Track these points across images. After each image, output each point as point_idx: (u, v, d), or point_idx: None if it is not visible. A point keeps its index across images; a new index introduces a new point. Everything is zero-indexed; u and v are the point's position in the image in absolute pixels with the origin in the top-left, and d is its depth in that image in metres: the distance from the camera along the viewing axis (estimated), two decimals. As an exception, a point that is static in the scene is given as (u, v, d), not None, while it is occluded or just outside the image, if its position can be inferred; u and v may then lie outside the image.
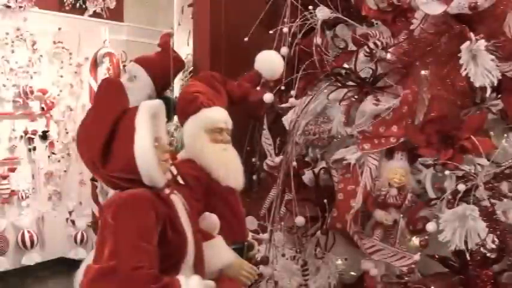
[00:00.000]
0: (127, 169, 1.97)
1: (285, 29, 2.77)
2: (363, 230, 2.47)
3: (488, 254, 2.22)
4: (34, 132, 5.85)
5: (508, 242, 2.27)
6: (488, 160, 2.26)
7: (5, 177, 5.62)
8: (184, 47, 4.53)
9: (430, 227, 2.23)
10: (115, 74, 5.68)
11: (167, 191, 2.10)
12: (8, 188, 5.63)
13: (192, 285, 1.93)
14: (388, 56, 2.48)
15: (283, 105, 2.82)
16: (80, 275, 2.12)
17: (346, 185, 2.46)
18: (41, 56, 5.85)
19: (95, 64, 5.96)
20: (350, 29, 2.74)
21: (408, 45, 2.42)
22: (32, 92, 5.74)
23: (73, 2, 6.26)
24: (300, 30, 2.74)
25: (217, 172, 2.67)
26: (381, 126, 2.40)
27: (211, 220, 2.49)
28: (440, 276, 2.34)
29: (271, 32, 2.79)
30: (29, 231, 5.71)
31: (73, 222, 6.11)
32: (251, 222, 2.75)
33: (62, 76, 6.02)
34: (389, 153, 2.45)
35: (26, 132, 5.80)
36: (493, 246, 2.13)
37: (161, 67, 3.14)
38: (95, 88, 5.09)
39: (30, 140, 5.84)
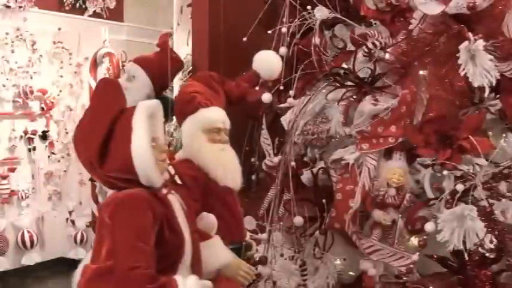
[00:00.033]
0: (124, 169, 1.98)
1: (284, 29, 2.76)
2: (362, 230, 2.47)
3: (487, 254, 2.22)
4: (34, 132, 5.86)
5: (507, 242, 2.27)
6: (487, 160, 2.26)
7: (4, 177, 5.63)
8: (183, 47, 4.53)
9: (429, 227, 2.22)
10: (115, 74, 5.69)
11: (164, 191, 2.10)
12: (7, 188, 5.65)
13: (189, 285, 1.94)
14: (387, 56, 2.47)
15: (282, 105, 2.82)
16: (77, 274, 2.13)
17: (344, 185, 2.45)
18: (41, 56, 5.87)
19: (95, 64, 5.97)
20: (349, 29, 2.74)
21: (407, 45, 2.42)
22: (31, 92, 5.76)
23: (73, 2, 6.26)
24: (299, 30, 2.73)
25: (215, 172, 2.68)
26: (379, 126, 2.39)
27: (208, 220, 2.49)
28: (439, 276, 2.34)
29: (269, 32, 2.78)
30: (28, 231, 5.72)
31: (73, 222, 6.12)
32: (249, 222, 2.75)
33: (61, 76, 6.04)
34: (387, 153, 2.44)
35: (25, 132, 5.81)
36: (491, 246, 2.12)
37: (160, 67, 3.14)
38: (95, 88, 5.10)
39: (30, 140, 5.85)
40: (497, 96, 2.38)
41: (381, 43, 2.48)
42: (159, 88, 3.19)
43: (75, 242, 6.05)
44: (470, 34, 2.20)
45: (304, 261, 2.54)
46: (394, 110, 2.37)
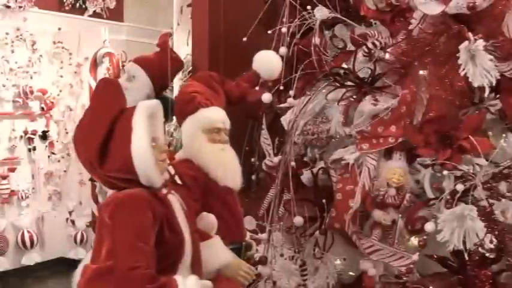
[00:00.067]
0: (124, 169, 1.98)
1: (284, 29, 2.76)
2: (362, 230, 2.47)
3: (487, 254, 2.22)
4: (34, 132, 5.86)
5: (507, 242, 2.27)
6: (487, 160, 2.26)
7: (4, 177, 5.64)
8: (184, 47, 4.53)
9: (429, 227, 2.22)
10: (115, 74, 5.69)
11: (164, 191, 2.10)
12: (7, 188, 5.66)
13: (189, 285, 1.94)
14: (387, 56, 2.47)
15: (282, 105, 2.81)
16: (77, 274, 2.13)
17: (344, 185, 2.45)
18: (41, 56, 5.87)
19: (95, 64, 5.97)
20: (349, 29, 2.74)
21: (407, 45, 2.42)
22: (31, 92, 5.76)
23: (73, 2, 6.27)
24: (299, 30, 2.73)
25: (215, 172, 2.68)
26: (379, 126, 2.39)
27: (208, 220, 2.49)
28: (439, 276, 2.34)
29: (269, 32, 2.78)
30: (28, 231, 5.72)
31: (73, 222, 6.12)
32: (250, 222, 2.75)
33: (61, 76, 6.04)
34: (387, 153, 2.44)
35: (25, 132, 5.82)
36: (491, 246, 2.12)
37: (160, 67, 3.14)
38: (95, 88, 5.10)
39: (30, 140, 5.85)
40: (497, 96, 2.38)
41: (380, 43, 2.48)
42: (159, 88, 3.19)
43: (75, 242, 6.05)
44: (470, 34, 2.19)
45: (304, 261, 2.53)
46: (394, 110, 2.37)
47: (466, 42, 2.18)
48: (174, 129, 4.39)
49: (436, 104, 2.31)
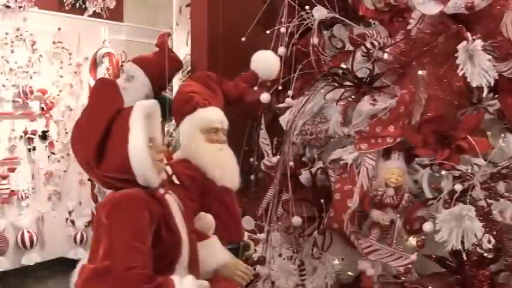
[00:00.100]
0: (121, 169, 1.98)
1: (282, 29, 2.76)
2: (360, 230, 2.46)
3: (485, 254, 2.22)
4: (34, 132, 5.87)
5: (505, 242, 2.27)
6: (485, 160, 2.26)
7: (4, 177, 5.64)
8: (183, 47, 4.53)
9: (427, 227, 2.22)
10: (114, 74, 5.71)
11: (162, 190, 2.10)
12: (7, 188, 5.67)
13: (186, 285, 1.94)
14: (385, 56, 2.47)
15: (280, 105, 2.81)
16: (76, 274, 2.13)
17: (343, 185, 2.45)
18: (41, 56, 5.88)
19: (95, 64, 5.99)
20: (347, 29, 2.74)
21: (405, 45, 2.41)
22: (31, 92, 5.77)
23: (73, 2, 6.27)
24: (297, 30, 2.73)
25: (213, 172, 2.68)
26: (377, 126, 2.39)
27: (206, 220, 2.50)
28: (437, 276, 2.34)
29: (268, 32, 2.78)
30: (28, 231, 5.73)
31: (73, 222, 6.13)
32: (248, 222, 2.75)
33: (61, 76, 6.05)
34: (386, 153, 2.44)
35: (25, 132, 5.82)
36: (489, 246, 2.12)
37: (159, 67, 3.14)
38: (95, 88, 5.10)
39: (29, 140, 5.86)
40: (496, 96, 2.38)
41: (379, 43, 2.48)
42: (158, 88, 3.20)
43: (75, 242, 6.06)
44: (468, 34, 2.19)
45: (303, 261, 2.53)
46: (393, 110, 2.36)
47: (465, 42, 2.17)
48: (173, 129, 4.39)
49: (435, 104, 2.30)
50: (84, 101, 5.91)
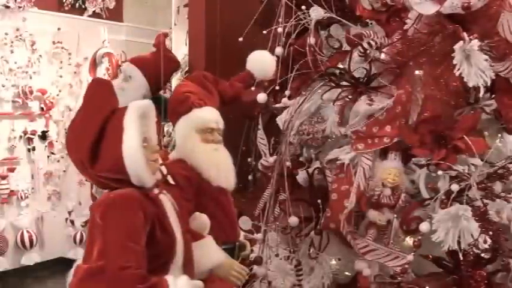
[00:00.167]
0: (115, 169, 1.98)
1: (280, 29, 2.76)
2: (357, 230, 2.46)
3: (482, 254, 2.22)
4: (33, 133, 5.87)
5: (502, 242, 2.27)
6: (482, 160, 2.25)
7: (4, 177, 5.65)
8: (183, 47, 4.53)
9: (424, 227, 2.22)
10: (114, 74, 5.71)
11: (156, 191, 2.10)
12: (7, 188, 5.67)
13: (179, 285, 1.94)
14: (382, 56, 2.47)
15: (277, 105, 2.81)
16: (71, 274, 2.13)
17: (339, 185, 2.44)
18: (40, 56, 5.89)
19: (94, 64, 5.99)
20: (344, 29, 2.74)
21: (402, 45, 2.41)
22: (31, 92, 5.78)
23: (72, 2, 6.28)
24: (294, 30, 2.73)
25: (208, 172, 2.68)
26: (374, 126, 2.38)
27: (201, 220, 2.50)
28: (434, 276, 2.33)
29: (264, 32, 2.78)
30: (28, 231, 5.73)
31: (72, 222, 6.13)
32: (245, 222, 2.75)
33: (61, 76, 6.05)
34: (383, 153, 2.43)
35: (25, 133, 5.83)
36: (486, 246, 2.12)
37: (156, 67, 3.14)
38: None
39: (29, 140, 5.86)
40: (493, 96, 2.38)
41: (376, 43, 2.48)
42: (156, 88, 3.19)
43: (75, 242, 6.06)
44: (465, 34, 2.19)
45: (300, 261, 2.53)
46: (389, 110, 2.36)
47: (461, 42, 2.17)
48: (172, 129, 4.39)
49: (431, 104, 2.30)
50: (84, 101, 5.92)
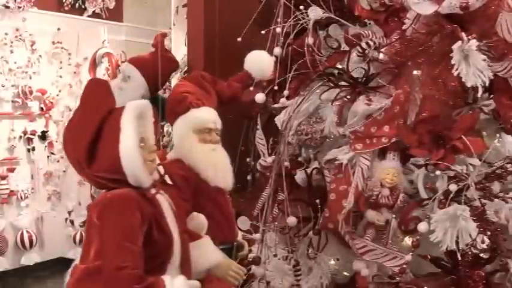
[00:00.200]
0: (112, 169, 1.98)
1: (278, 29, 2.76)
2: (356, 230, 2.46)
3: (480, 255, 2.22)
4: (33, 133, 5.88)
5: (500, 242, 2.27)
6: (480, 160, 2.25)
7: (4, 178, 5.65)
8: (182, 47, 4.53)
9: (422, 227, 2.21)
10: (114, 74, 5.71)
11: (153, 191, 2.10)
12: (7, 188, 5.68)
13: (176, 285, 1.94)
14: (381, 56, 2.47)
15: (276, 105, 2.81)
16: (69, 274, 2.13)
17: (338, 185, 2.44)
18: (40, 56, 5.89)
19: (94, 64, 5.99)
20: (343, 29, 2.73)
21: (400, 45, 2.41)
22: (31, 92, 5.78)
23: (72, 2, 6.28)
24: (293, 31, 2.73)
25: (206, 172, 2.68)
26: (372, 127, 2.38)
27: (199, 220, 2.50)
28: (433, 276, 2.33)
29: (263, 32, 2.78)
30: (28, 232, 5.74)
31: (72, 222, 6.14)
32: (244, 223, 2.75)
33: (61, 76, 6.06)
34: (381, 153, 2.43)
35: (25, 133, 5.83)
36: (483, 246, 2.12)
37: (155, 67, 3.14)
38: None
39: (29, 140, 5.87)
40: (491, 96, 2.38)
41: (374, 43, 2.47)
42: (154, 88, 3.19)
43: (75, 242, 6.06)
44: (463, 34, 2.18)
45: (298, 261, 2.52)
46: (388, 110, 2.36)
47: (460, 42, 2.17)
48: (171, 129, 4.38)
49: (430, 104, 2.30)
50: (84, 101, 5.92)
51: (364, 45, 2.47)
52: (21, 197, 5.76)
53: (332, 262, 2.55)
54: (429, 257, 2.32)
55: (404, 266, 2.26)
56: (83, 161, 2.00)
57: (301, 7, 2.69)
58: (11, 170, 5.72)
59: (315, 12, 2.66)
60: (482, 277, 2.23)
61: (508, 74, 2.32)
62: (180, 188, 2.51)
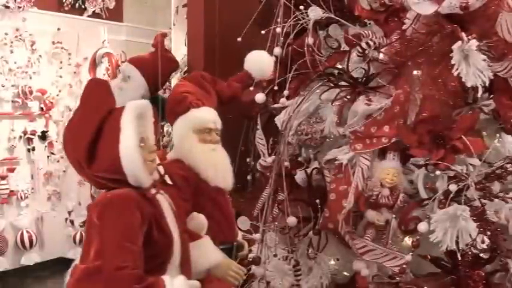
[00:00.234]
0: (112, 169, 1.98)
1: (278, 29, 2.76)
2: (355, 230, 2.46)
3: (480, 255, 2.22)
4: (33, 133, 5.88)
5: (500, 242, 2.27)
6: (480, 160, 2.25)
7: (4, 178, 5.65)
8: (182, 47, 4.53)
9: (422, 227, 2.21)
10: (114, 74, 5.71)
11: (153, 191, 2.10)
12: (7, 188, 5.68)
13: (176, 285, 1.94)
14: (381, 56, 2.47)
15: (276, 105, 2.81)
16: (69, 274, 2.14)
17: (338, 185, 2.44)
18: (40, 56, 5.89)
19: (94, 64, 5.99)
20: (343, 29, 2.73)
21: (400, 45, 2.41)
22: (31, 92, 5.78)
23: (72, 2, 6.28)
24: (293, 31, 2.73)
25: (206, 172, 2.68)
26: (372, 127, 2.38)
27: (199, 220, 2.50)
28: (433, 276, 2.33)
29: (263, 32, 2.78)
30: (28, 232, 5.74)
31: (72, 222, 6.14)
32: (244, 223, 2.75)
33: (61, 76, 6.06)
34: (381, 153, 2.43)
35: (25, 133, 5.83)
36: (484, 246, 2.12)
37: (155, 67, 3.14)
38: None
39: (29, 140, 5.87)
40: (491, 96, 2.38)
41: (374, 43, 2.47)
42: (154, 88, 3.19)
43: (75, 242, 6.06)
44: (463, 34, 2.18)
45: (298, 261, 2.52)
46: (388, 110, 2.36)
47: (460, 42, 2.17)
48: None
49: (430, 104, 2.30)
50: (84, 101, 5.92)
51: (364, 45, 2.47)
52: (21, 197, 5.76)
53: (332, 262, 2.55)
54: (429, 257, 2.32)
55: (404, 266, 2.26)
56: (82, 161, 2.00)
57: (301, 7, 2.69)
58: (11, 170, 5.72)
59: (315, 12, 2.66)
60: (482, 277, 2.23)
61: (508, 74, 2.32)
62: (180, 188, 2.51)
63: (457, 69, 2.17)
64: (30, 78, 5.79)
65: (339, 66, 2.55)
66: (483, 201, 2.19)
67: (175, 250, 2.08)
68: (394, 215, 2.36)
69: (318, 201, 2.49)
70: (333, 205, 2.43)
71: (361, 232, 2.44)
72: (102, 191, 2.16)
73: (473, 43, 2.16)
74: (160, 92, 3.35)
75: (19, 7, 5.63)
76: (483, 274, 2.23)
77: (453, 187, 2.17)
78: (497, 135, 2.47)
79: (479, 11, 2.25)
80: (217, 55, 3.59)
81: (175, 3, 4.66)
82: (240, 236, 2.90)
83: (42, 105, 5.92)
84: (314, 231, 2.49)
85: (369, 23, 2.66)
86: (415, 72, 2.33)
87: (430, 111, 2.29)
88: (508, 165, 2.30)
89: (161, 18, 6.23)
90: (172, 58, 3.34)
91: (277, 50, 2.77)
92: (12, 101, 5.71)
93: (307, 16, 2.67)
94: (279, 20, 2.75)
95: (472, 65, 2.17)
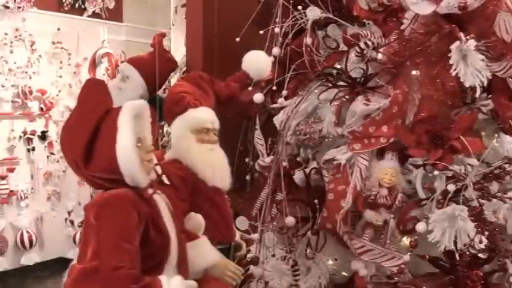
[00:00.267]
0: (109, 169, 1.99)
1: (277, 29, 2.76)
2: (354, 230, 2.46)
3: (479, 255, 2.22)
4: (33, 133, 5.87)
5: (498, 242, 2.27)
6: (478, 160, 2.25)
7: (3, 178, 5.65)
8: (182, 47, 4.52)
9: (420, 227, 2.22)
10: (113, 74, 5.70)
11: (150, 191, 2.10)
12: (7, 188, 5.67)
13: (173, 285, 1.94)
14: (379, 56, 2.47)
15: (274, 105, 2.81)
16: (67, 274, 2.14)
17: (336, 185, 2.44)
18: (40, 56, 5.88)
19: (94, 64, 5.99)
20: (341, 29, 2.73)
21: (399, 45, 2.41)
22: (30, 93, 5.77)
23: (72, 2, 6.27)
24: (292, 31, 2.73)
25: (204, 172, 2.68)
26: (371, 127, 2.38)
27: (196, 220, 2.50)
28: (431, 276, 2.33)
29: (261, 32, 2.78)
30: (28, 232, 5.73)
31: (72, 222, 6.13)
32: (242, 223, 2.75)
33: (60, 76, 6.05)
34: (380, 153, 2.43)
35: (25, 133, 5.82)
36: (481, 246, 2.12)
37: (153, 67, 3.14)
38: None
39: (29, 140, 5.86)
40: (489, 96, 2.38)
41: (373, 43, 2.47)
42: (153, 88, 3.19)
43: (74, 242, 6.04)
44: (461, 34, 2.18)
45: (296, 261, 2.53)
46: (386, 110, 2.36)
47: (458, 42, 2.17)
48: (171, 129, 4.37)
49: (428, 104, 2.30)
50: (84, 101, 5.92)
51: (362, 45, 2.48)
52: (21, 197, 5.75)
53: (330, 262, 2.55)
54: (427, 257, 2.32)
55: (403, 266, 2.26)
56: (79, 161, 2.01)
57: (300, 7, 2.69)
58: (11, 170, 5.71)
59: (314, 12, 2.66)
60: (481, 277, 2.24)
61: (506, 74, 2.32)
62: (177, 188, 2.52)
63: (455, 69, 2.17)
64: (30, 78, 5.78)
65: (338, 66, 2.55)
66: (481, 201, 2.19)
67: (172, 250, 2.08)
68: (392, 215, 2.36)
69: (316, 201, 2.49)
70: (331, 205, 2.43)
71: (360, 232, 2.44)
72: (99, 191, 2.16)
73: (472, 43, 2.16)
74: (160, 92, 3.35)
75: (19, 7, 5.63)
76: (481, 274, 2.24)
77: (451, 187, 2.17)
78: (496, 135, 2.47)
79: (478, 11, 2.25)
80: (216, 55, 3.59)
81: (174, 3, 4.66)
82: (238, 236, 2.90)
83: (42, 105, 5.91)
84: (312, 231, 2.49)
85: (368, 23, 2.66)
86: (413, 72, 2.33)
87: (428, 111, 2.29)
88: (506, 165, 2.30)
89: (161, 18, 6.22)
90: (171, 58, 3.34)
91: (275, 50, 2.77)
92: (12, 101, 5.70)
93: (306, 16, 2.67)
94: (277, 20, 2.75)
95: (470, 65, 2.17)
